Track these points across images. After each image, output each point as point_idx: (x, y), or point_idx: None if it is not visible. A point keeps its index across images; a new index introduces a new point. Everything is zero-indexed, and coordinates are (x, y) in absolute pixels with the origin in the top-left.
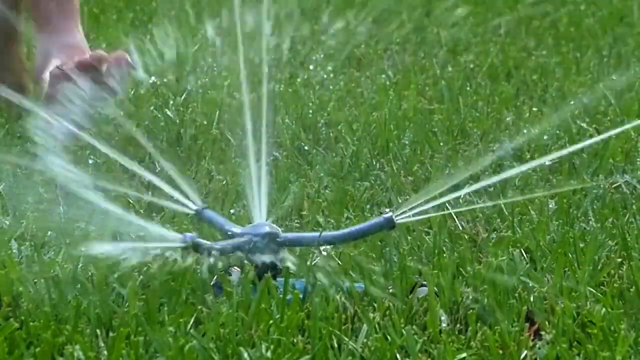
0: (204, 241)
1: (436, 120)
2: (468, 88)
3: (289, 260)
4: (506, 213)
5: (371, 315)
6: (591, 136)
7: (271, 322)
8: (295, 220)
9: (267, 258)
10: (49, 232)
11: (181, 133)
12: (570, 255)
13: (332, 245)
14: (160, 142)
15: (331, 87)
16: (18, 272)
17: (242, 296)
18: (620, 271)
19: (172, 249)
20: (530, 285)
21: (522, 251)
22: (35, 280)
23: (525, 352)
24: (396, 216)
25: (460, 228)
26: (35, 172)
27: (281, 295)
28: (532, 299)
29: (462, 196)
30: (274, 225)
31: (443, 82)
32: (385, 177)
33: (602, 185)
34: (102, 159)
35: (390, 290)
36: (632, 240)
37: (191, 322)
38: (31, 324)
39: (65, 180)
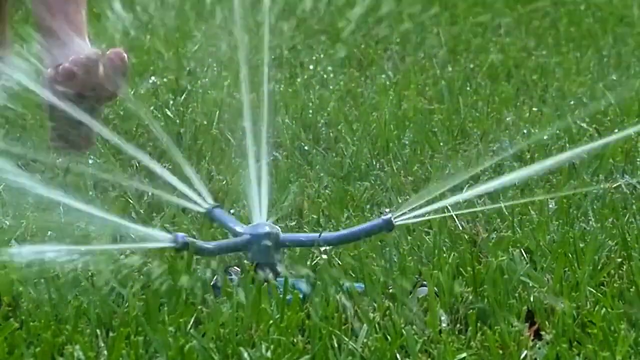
0: (195, 241)
1: (436, 120)
2: (468, 88)
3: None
4: (506, 213)
5: (371, 315)
6: (591, 136)
7: (271, 322)
8: (295, 220)
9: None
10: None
11: (181, 133)
12: (570, 255)
13: (331, 246)
14: (161, 143)
15: (331, 87)
16: (18, 272)
17: (242, 296)
18: (620, 271)
19: (163, 249)
20: (530, 285)
21: (522, 251)
22: (35, 280)
23: (525, 352)
24: (395, 217)
25: (460, 228)
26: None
27: (281, 296)
28: (532, 299)
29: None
30: (274, 225)
31: (443, 82)
32: (385, 177)
33: (602, 186)
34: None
35: (391, 290)
36: (632, 240)
37: (191, 322)
38: (31, 324)
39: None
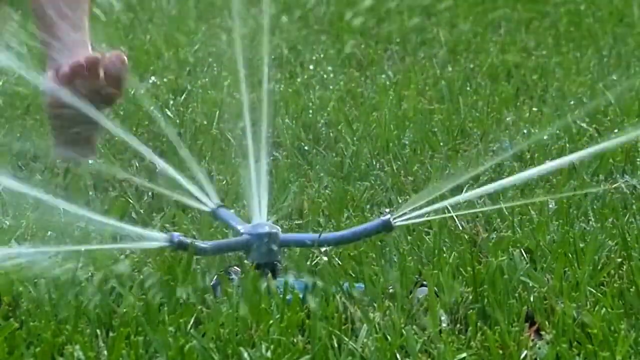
0: (191, 240)
1: (436, 120)
2: (468, 88)
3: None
4: (506, 213)
5: (371, 315)
6: (591, 136)
7: (271, 322)
8: (296, 221)
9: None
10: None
11: (181, 133)
12: (570, 255)
13: (330, 246)
14: (161, 143)
15: (331, 87)
16: (18, 272)
17: (242, 296)
18: (620, 271)
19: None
20: (530, 285)
21: (522, 251)
22: (35, 280)
23: (525, 352)
24: (394, 218)
25: (460, 228)
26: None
27: (281, 296)
28: (532, 299)
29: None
30: (274, 225)
31: (443, 82)
32: (385, 177)
33: (602, 186)
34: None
35: (391, 290)
36: (632, 240)
37: (191, 322)
38: (31, 324)
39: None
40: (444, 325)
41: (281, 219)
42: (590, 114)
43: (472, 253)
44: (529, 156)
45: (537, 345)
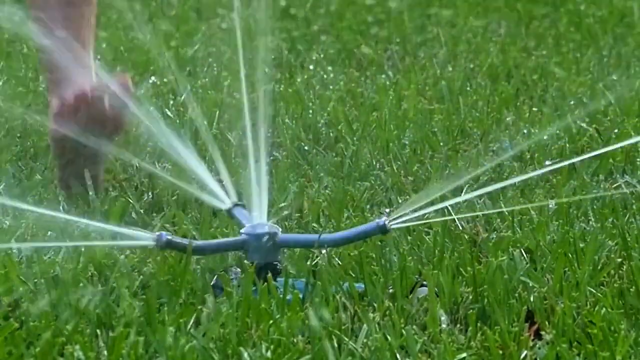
0: (181, 240)
1: (436, 120)
2: (468, 88)
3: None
4: (506, 213)
5: (371, 315)
6: (591, 136)
7: (271, 322)
8: (296, 220)
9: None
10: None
11: (181, 133)
12: (570, 255)
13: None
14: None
15: (331, 87)
16: (18, 272)
17: (242, 296)
18: (620, 271)
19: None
20: (530, 285)
21: (522, 251)
22: (35, 280)
23: (525, 352)
24: (390, 221)
25: (460, 228)
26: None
27: (281, 295)
28: (532, 299)
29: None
30: (274, 225)
31: (443, 82)
32: (385, 177)
33: (602, 186)
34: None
35: (390, 291)
36: (632, 240)
37: (191, 322)
38: (31, 324)
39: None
40: (444, 325)
41: (281, 219)
42: (590, 114)
43: (472, 253)
44: (529, 156)
45: (537, 345)
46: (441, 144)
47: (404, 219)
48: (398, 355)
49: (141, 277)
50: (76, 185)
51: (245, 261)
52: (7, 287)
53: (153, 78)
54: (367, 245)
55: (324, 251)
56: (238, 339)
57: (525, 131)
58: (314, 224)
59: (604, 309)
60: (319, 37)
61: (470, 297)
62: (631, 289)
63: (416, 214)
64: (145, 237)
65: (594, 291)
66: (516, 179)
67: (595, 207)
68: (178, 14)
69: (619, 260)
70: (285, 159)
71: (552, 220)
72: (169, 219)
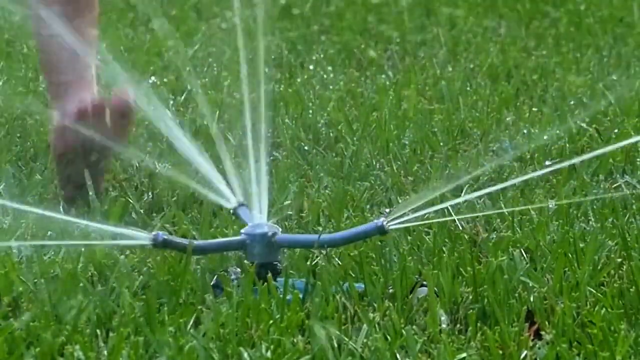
0: (177, 239)
1: (436, 120)
2: (468, 88)
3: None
4: (506, 213)
5: (371, 315)
6: (591, 136)
7: (271, 322)
8: (296, 221)
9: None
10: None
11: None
12: (570, 255)
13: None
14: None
15: (331, 87)
16: (18, 272)
17: (242, 296)
18: (620, 271)
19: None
20: (530, 285)
21: (522, 251)
22: (35, 280)
23: (525, 352)
24: (389, 222)
25: (460, 228)
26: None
27: (281, 295)
28: (532, 299)
29: (461, 196)
30: (274, 225)
31: (443, 82)
32: (385, 177)
33: (602, 186)
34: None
35: (391, 291)
36: (632, 240)
37: (191, 322)
38: (31, 324)
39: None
40: (444, 325)
41: (281, 219)
42: (590, 114)
43: (472, 253)
44: (529, 156)
45: (537, 345)
46: (441, 144)
47: (402, 219)
48: (398, 355)
49: (141, 277)
50: (78, 196)
51: (245, 261)
52: (7, 287)
53: (153, 78)
54: (367, 245)
55: (322, 251)
56: (238, 339)
57: (525, 131)
58: (314, 225)
59: (604, 309)
60: (319, 37)
61: (470, 297)
62: (631, 289)
63: (415, 215)
64: (142, 237)
65: (594, 291)
66: (516, 180)
67: (595, 207)
68: (177, 14)
69: (619, 260)
70: (285, 159)
71: (552, 220)
72: (169, 219)
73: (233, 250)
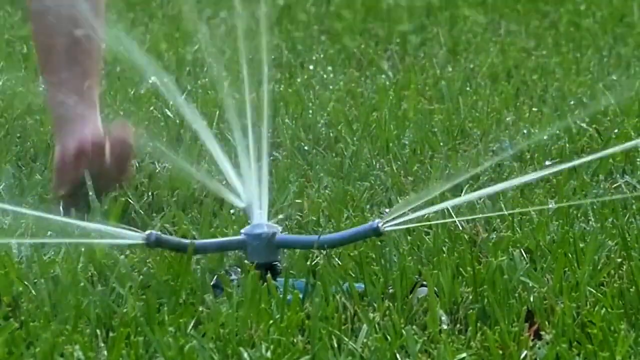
0: (171, 238)
1: (436, 120)
2: (468, 88)
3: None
4: (506, 213)
5: (371, 315)
6: (591, 136)
7: (271, 322)
8: (296, 221)
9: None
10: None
11: (181, 133)
12: (570, 255)
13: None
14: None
15: (331, 87)
16: (18, 272)
17: (242, 296)
18: (620, 271)
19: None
20: (530, 285)
21: (522, 251)
22: (35, 280)
23: (525, 352)
24: (384, 223)
25: (460, 228)
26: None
27: (281, 295)
28: (532, 299)
29: (461, 196)
30: (273, 225)
31: (443, 82)
32: (385, 177)
33: (602, 186)
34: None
35: (391, 291)
36: (632, 240)
37: (191, 323)
38: (31, 324)
39: None
40: (444, 325)
41: (281, 219)
42: (590, 114)
43: (472, 253)
44: (528, 156)
45: (537, 345)
46: (441, 144)
47: (398, 220)
48: (398, 355)
49: (141, 277)
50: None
51: (246, 261)
52: (7, 287)
53: (153, 78)
54: (367, 245)
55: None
56: (238, 339)
57: (525, 131)
58: (314, 226)
59: (604, 309)
60: (319, 37)
61: (470, 297)
62: (631, 289)
63: (412, 216)
64: (135, 236)
65: (594, 291)
66: (516, 181)
67: (595, 207)
68: (177, 14)
69: (619, 260)
70: (285, 159)
71: (552, 220)
72: (169, 219)
73: (233, 250)
